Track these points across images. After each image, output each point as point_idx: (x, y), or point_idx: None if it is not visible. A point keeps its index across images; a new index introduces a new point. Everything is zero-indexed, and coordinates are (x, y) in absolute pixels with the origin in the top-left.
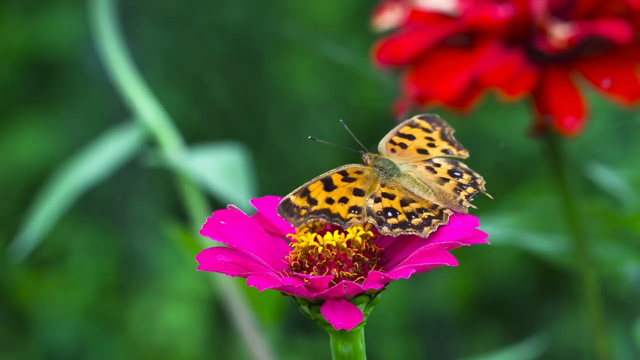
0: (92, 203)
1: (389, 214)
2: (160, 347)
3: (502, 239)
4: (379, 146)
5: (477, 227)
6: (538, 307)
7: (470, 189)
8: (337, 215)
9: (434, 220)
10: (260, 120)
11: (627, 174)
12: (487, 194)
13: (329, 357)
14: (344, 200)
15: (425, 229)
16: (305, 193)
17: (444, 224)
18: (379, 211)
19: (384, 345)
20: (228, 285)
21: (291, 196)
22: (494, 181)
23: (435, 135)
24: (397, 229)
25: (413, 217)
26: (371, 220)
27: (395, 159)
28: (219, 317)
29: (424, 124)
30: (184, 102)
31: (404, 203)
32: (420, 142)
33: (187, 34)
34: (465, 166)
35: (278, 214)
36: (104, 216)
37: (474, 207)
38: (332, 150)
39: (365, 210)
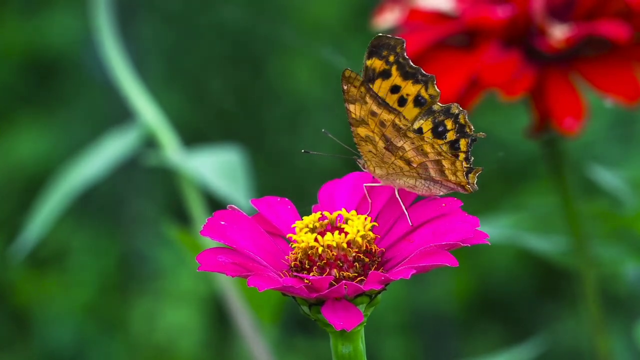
0: (91, 203)
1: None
2: (161, 347)
3: (502, 239)
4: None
5: (477, 227)
6: (538, 307)
7: (462, 144)
8: None
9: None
10: (260, 120)
11: (627, 174)
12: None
13: (329, 357)
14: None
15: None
16: None
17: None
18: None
19: (384, 345)
20: (228, 285)
21: None
22: (494, 182)
23: (395, 76)
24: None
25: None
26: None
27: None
28: (219, 317)
29: (378, 64)
30: (183, 102)
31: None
32: (391, 104)
33: (187, 34)
34: (438, 106)
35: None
36: (104, 216)
37: (478, 169)
38: (332, 150)
39: None
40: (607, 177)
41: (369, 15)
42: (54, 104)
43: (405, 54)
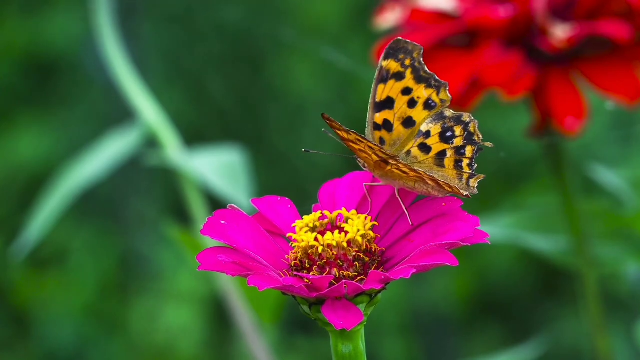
0: (92, 203)
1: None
2: (161, 347)
3: (502, 238)
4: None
5: (477, 227)
6: (538, 307)
7: (468, 151)
8: None
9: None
10: (260, 120)
11: (627, 174)
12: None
13: (329, 357)
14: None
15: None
16: None
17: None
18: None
19: (384, 345)
20: (228, 285)
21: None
22: (494, 181)
23: (409, 79)
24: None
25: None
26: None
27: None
28: (219, 317)
29: (394, 66)
30: (184, 102)
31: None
32: (400, 105)
33: (187, 34)
34: (450, 113)
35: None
36: (104, 216)
37: (480, 176)
38: (333, 149)
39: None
40: (607, 177)
41: (370, 15)
42: (54, 104)
43: (422, 59)
